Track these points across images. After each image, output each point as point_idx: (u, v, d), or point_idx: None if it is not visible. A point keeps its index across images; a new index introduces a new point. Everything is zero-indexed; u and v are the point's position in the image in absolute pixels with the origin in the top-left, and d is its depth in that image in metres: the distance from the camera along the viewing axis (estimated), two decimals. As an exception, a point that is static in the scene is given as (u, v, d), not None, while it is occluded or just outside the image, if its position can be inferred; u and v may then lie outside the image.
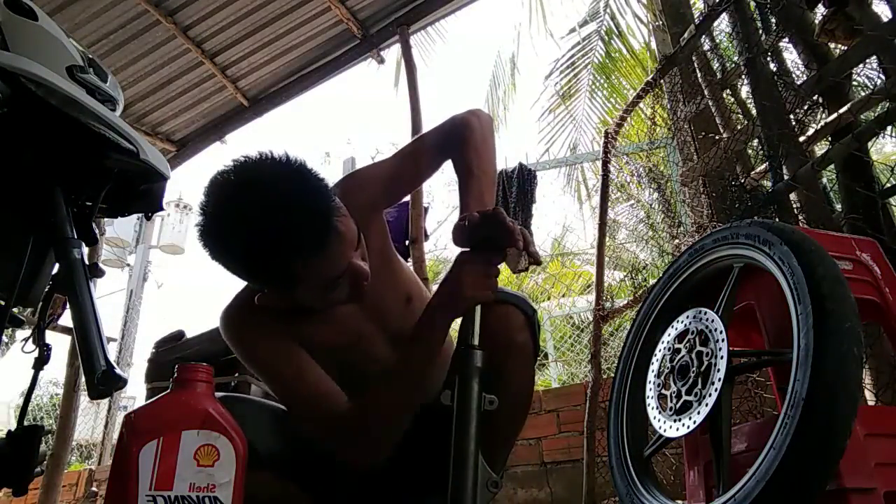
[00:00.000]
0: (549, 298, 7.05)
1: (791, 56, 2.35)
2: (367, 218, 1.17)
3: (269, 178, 0.98)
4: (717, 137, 2.48)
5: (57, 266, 1.23)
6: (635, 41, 6.12)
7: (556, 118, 6.49)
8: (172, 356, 3.35)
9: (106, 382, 1.11)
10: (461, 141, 1.21)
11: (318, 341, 1.11)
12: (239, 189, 0.97)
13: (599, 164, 3.05)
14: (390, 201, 1.30)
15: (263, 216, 0.94)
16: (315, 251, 0.96)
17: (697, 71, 2.66)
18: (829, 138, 2.07)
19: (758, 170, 2.28)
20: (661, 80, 2.74)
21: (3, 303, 1.21)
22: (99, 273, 1.40)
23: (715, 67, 2.61)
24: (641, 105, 3.05)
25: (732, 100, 2.54)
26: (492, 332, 1.03)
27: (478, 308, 1.00)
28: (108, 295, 8.63)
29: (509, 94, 7.22)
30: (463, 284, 1.00)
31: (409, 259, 3.55)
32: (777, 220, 1.90)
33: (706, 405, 1.11)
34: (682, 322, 1.28)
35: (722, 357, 1.11)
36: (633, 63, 6.11)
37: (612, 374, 1.57)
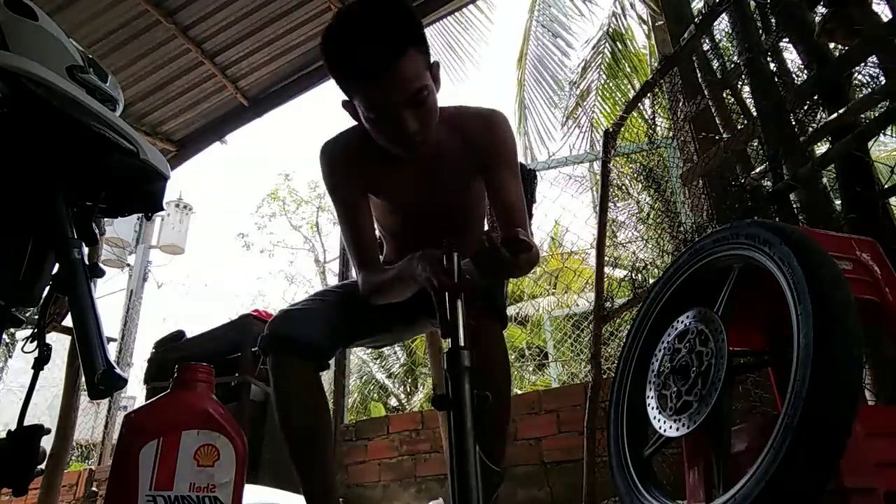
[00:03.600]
0: (537, 294, 7.03)
1: (791, 56, 2.35)
2: (476, 157, 1.44)
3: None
4: (717, 137, 2.47)
5: (57, 266, 1.23)
6: (633, 43, 6.18)
7: (575, 122, 6.59)
8: (172, 356, 3.35)
9: (106, 382, 1.11)
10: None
11: (383, 190, 1.45)
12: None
13: (599, 164, 3.04)
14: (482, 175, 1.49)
15: (355, 28, 1.21)
16: (371, 67, 1.19)
17: (697, 71, 2.66)
18: (829, 138, 2.07)
19: (758, 170, 2.28)
20: (661, 80, 2.73)
21: (3, 303, 1.20)
22: (99, 273, 1.39)
23: (715, 67, 2.61)
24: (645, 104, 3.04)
25: (732, 100, 2.54)
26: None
27: (460, 308, 1.04)
28: (108, 295, 8.64)
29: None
30: (415, 262, 1.19)
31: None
32: (777, 220, 1.90)
33: (706, 405, 1.11)
34: (682, 322, 1.28)
35: (722, 357, 1.12)
36: (635, 63, 6.14)
37: (612, 374, 1.57)
